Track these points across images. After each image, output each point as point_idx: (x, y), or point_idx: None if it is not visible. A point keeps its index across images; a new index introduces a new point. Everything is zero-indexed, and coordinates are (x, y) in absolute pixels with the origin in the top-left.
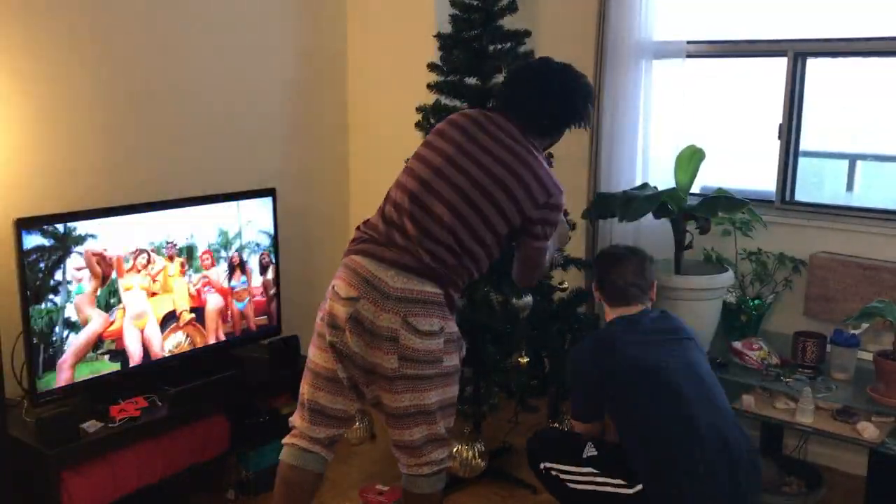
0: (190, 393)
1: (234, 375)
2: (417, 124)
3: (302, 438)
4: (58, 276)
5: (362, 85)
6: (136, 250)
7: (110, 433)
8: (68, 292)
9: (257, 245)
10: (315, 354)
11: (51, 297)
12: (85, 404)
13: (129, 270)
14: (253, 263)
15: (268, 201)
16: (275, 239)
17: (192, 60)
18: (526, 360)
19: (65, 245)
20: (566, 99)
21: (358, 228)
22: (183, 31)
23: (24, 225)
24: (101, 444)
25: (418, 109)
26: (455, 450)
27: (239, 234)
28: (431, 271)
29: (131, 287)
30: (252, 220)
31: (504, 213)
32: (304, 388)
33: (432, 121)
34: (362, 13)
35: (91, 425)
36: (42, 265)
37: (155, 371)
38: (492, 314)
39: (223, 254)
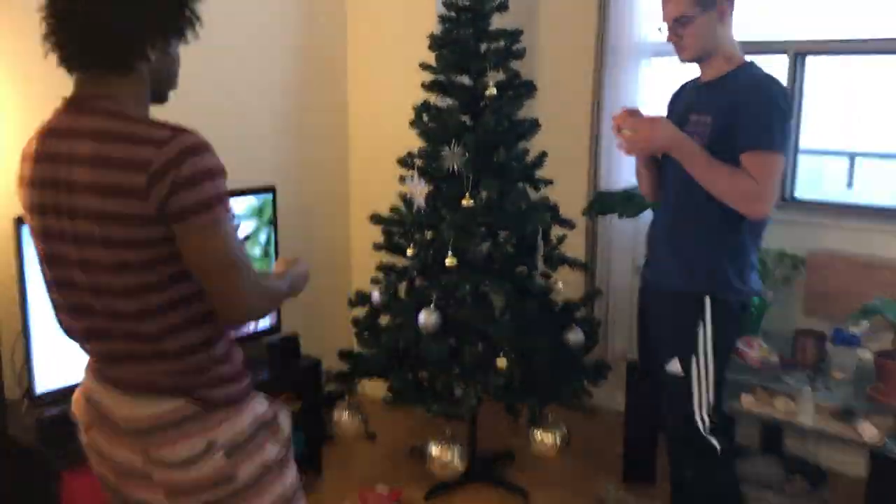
0: None
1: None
2: (411, 122)
3: None
4: None
5: (362, 84)
6: None
7: None
8: None
9: (258, 242)
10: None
11: None
12: None
13: None
14: None
15: (268, 199)
16: (274, 237)
17: (193, 60)
18: (504, 361)
19: None
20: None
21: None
22: None
23: (25, 224)
24: None
25: (415, 108)
26: (433, 452)
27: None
28: (157, 382)
29: None
30: (252, 218)
31: (121, 241)
32: None
33: (425, 119)
34: (362, 13)
35: None
36: None
37: None
38: (475, 314)
39: None
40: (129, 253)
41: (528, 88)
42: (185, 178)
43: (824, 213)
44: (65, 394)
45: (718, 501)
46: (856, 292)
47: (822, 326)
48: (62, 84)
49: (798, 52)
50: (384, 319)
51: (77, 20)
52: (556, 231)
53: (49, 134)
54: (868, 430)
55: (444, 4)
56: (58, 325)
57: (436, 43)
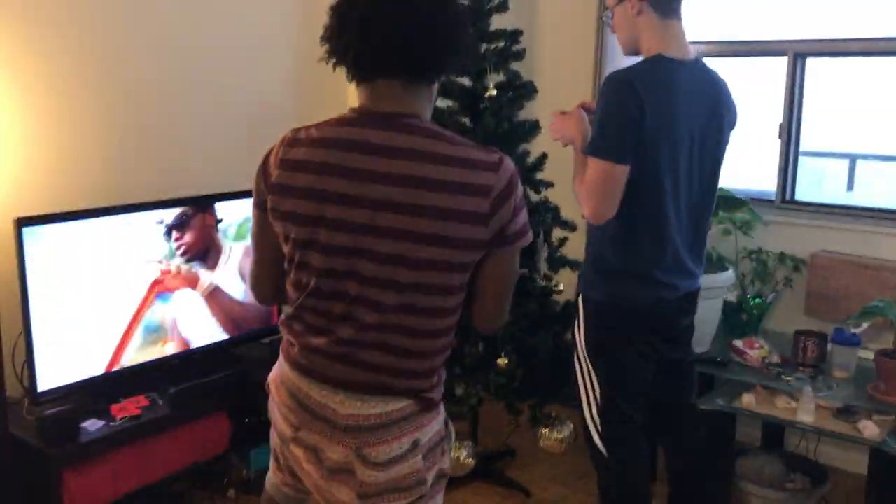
0: (191, 392)
1: (235, 374)
2: None
3: None
4: None
5: None
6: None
7: (111, 432)
8: None
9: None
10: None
11: None
12: (85, 403)
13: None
14: None
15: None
16: None
17: (192, 60)
18: (505, 361)
19: None
20: (433, 15)
21: (292, 319)
22: (183, 30)
23: (25, 224)
24: (101, 443)
25: None
26: None
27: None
28: (395, 382)
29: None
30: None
31: (448, 239)
32: None
33: None
34: None
35: (92, 424)
36: None
37: (156, 370)
38: None
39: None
40: (452, 277)
41: (529, 90)
42: (520, 203)
43: (825, 215)
44: (65, 393)
45: (609, 498)
46: (857, 294)
47: (823, 327)
48: (63, 84)
49: (798, 54)
50: None
51: (405, 29)
52: (558, 233)
53: (331, 146)
54: (868, 429)
55: None
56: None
57: None
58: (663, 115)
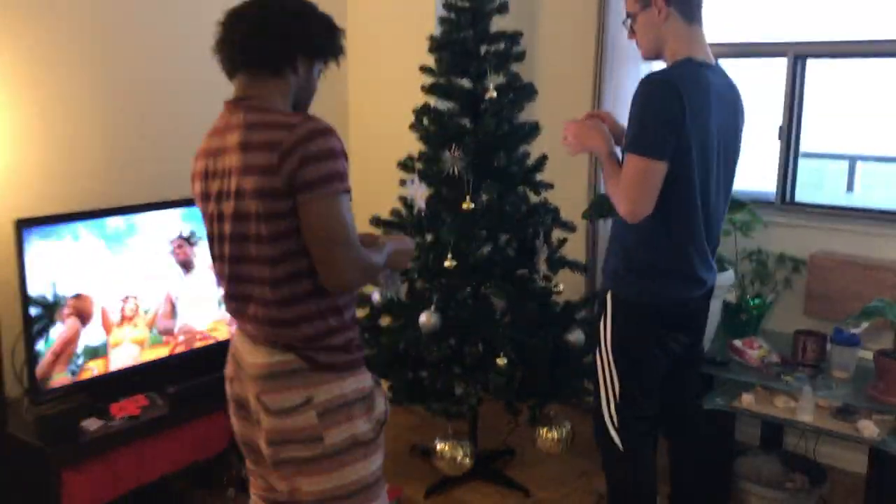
0: (190, 391)
1: None
2: (411, 126)
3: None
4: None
5: (363, 85)
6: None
7: (110, 431)
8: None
9: None
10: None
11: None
12: (85, 402)
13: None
14: None
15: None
16: None
17: (192, 60)
18: (504, 361)
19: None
20: (268, 18)
21: None
22: (183, 31)
23: (25, 225)
24: (101, 442)
25: (415, 111)
26: (439, 449)
27: None
28: (271, 336)
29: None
30: None
31: (258, 214)
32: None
33: (425, 122)
34: (362, 14)
35: (91, 423)
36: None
37: (155, 369)
38: (475, 316)
39: None
40: (263, 227)
41: (529, 91)
42: (311, 155)
43: (825, 216)
44: (65, 392)
45: (618, 495)
46: (856, 294)
47: (823, 328)
48: (63, 85)
49: (798, 55)
50: (385, 320)
51: (248, 25)
52: (557, 234)
53: (211, 134)
54: (868, 428)
55: (444, 6)
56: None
57: (435, 45)
58: (700, 116)
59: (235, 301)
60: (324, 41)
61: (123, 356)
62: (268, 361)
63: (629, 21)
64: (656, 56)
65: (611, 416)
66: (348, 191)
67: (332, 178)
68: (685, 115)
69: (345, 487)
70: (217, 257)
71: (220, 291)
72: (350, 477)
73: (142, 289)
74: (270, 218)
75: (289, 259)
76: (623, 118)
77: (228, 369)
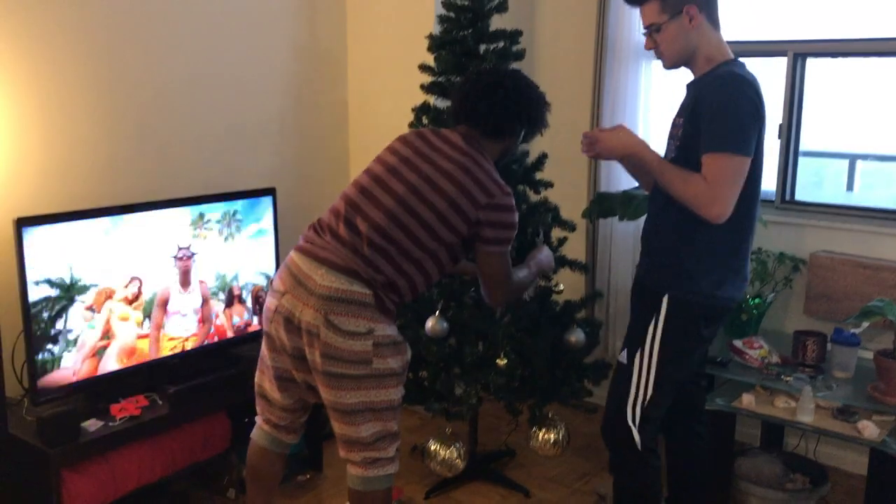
0: (191, 391)
1: (235, 374)
2: (410, 125)
3: (259, 418)
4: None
5: (362, 84)
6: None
7: (111, 432)
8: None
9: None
10: (263, 341)
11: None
12: (85, 403)
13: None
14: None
15: (268, 201)
16: (275, 239)
17: (193, 60)
18: (504, 361)
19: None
20: (514, 100)
21: (310, 227)
22: (183, 30)
23: (25, 224)
24: (101, 443)
25: (414, 110)
26: (433, 449)
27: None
28: (362, 272)
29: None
30: (252, 220)
31: (445, 218)
32: (256, 372)
33: (425, 121)
34: (362, 12)
35: (92, 424)
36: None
37: (156, 369)
38: (475, 316)
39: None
40: (445, 223)
41: None
42: (493, 221)
43: (825, 215)
44: (65, 393)
45: (628, 494)
46: (856, 294)
47: (823, 327)
48: (62, 84)
49: (798, 54)
50: None
51: (499, 104)
52: (557, 233)
53: (422, 136)
54: (868, 429)
55: (444, 5)
56: (332, 211)
57: (435, 43)
58: (765, 117)
59: (358, 241)
60: (536, 124)
61: (123, 356)
62: (348, 288)
63: (651, 32)
64: (683, 64)
65: (634, 415)
66: (510, 249)
67: (502, 242)
68: (763, 112)
69: (383, 402)
70: (376, 205)
71: (335, 217)
72: (384, 396)
73: (143, 280)
74: (458, 232)
75: (440, 255)
76: (623, 114)
77: (280, 284)
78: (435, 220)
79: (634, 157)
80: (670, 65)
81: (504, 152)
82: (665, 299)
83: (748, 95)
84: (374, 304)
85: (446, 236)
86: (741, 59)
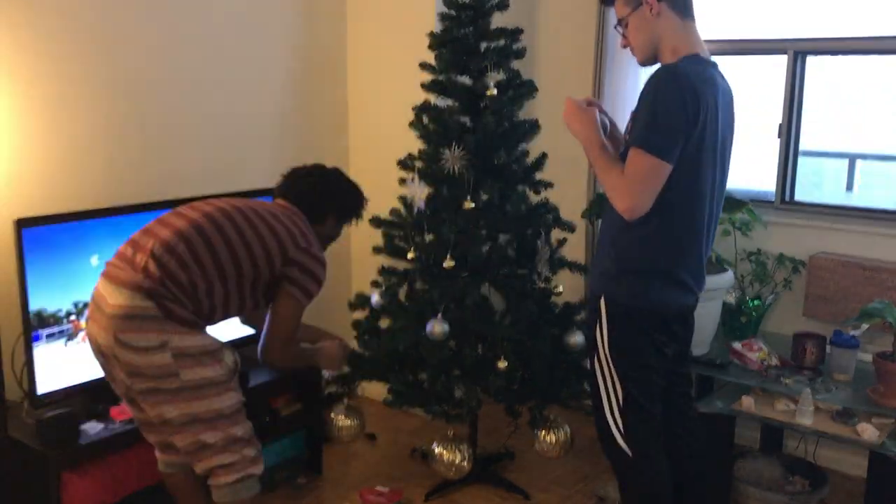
0: None
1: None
2: (411, 124)
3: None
4: None
5: (362, 83)
6: None
7: (111, 434)
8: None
9: None
10: None
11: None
12: (85, 405)
13: None
14: None
15: (267, 201)
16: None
17: (193, 60)
18: (504, 363)
19: None
20: (326, 185)
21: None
22: (183, 30)
23: (25, 225)
24: (101, 446)
25: (414, 109)
26: (438, 452)
27: None
28: (144, 285)
29: None
30: None
31: (246, 245)
32: None
33: (425, 121)
34: (362, 11)
35: (91, 426)
36: None
37: None
38: (475, 317)
39: None
40: (246, 270)
41: (529, 88)
42: (304, 265)
43: (824, 216)
44: (65, 395)
45: (631, 501)
46: (856, 295)
47: (822, 329)
48: (63, 84)
49: (798, 52)
50: (384, 322)
51: (313, 191)
52: (557, 234)
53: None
54: (867, 431)
55: (444, 2)
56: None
57: (436, 41)
58: (710, 116)
59: (154, 259)
60: (349, 212)
61: None
62: (130, 304)
63: (621, 28)
64: (654, 59)
65: (615, 423)
66: (307, 299)
67: (300, 286)
68: (698, 114)
69: (204, 413)
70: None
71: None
72: (207, 407)
73: None
74: (260, 268)
75: (246, 297)
76: (623, 114)
77: (88, 311)
78: (233, 244)
79: (584, 142)
80: (641, 58)
81: (327, 237)
82: (602, 303)
83: (680, 95)
84: (162, 315)
85: (243, 262)
86: (715, 58)
